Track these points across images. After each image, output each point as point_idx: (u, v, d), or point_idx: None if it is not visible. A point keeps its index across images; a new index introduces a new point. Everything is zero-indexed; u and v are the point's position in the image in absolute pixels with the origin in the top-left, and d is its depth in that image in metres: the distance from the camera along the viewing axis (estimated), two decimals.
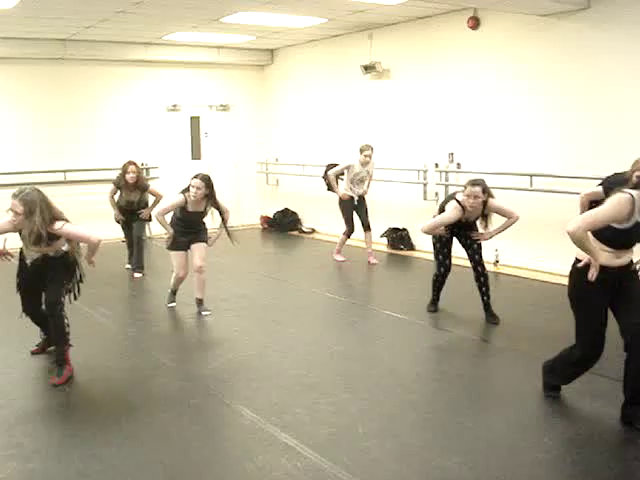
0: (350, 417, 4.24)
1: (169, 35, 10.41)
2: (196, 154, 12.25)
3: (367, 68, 10.15)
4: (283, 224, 12.22)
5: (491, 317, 6.27)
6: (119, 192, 8.40)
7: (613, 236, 3.91)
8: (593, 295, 4.05)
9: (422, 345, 5.79)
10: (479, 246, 6.29)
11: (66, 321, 4.99)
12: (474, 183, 5.88)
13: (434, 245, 6.46)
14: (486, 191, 5.90)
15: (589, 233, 3.90)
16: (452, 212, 5.99)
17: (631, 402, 4.04)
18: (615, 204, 3.82)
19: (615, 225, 3.85)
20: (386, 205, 10.25)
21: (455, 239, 6.38)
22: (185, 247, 6.65)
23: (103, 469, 3.61)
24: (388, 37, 10.01)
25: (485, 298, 6.29)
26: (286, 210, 12.39)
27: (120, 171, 8.31)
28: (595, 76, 7.46)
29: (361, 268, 8.96)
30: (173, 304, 6.92)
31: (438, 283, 6.57)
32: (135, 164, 8.29)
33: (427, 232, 6.21)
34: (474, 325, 6.23)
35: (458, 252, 6.51)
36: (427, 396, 4.66)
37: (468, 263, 6.36)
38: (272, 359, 5.36)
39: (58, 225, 4.79)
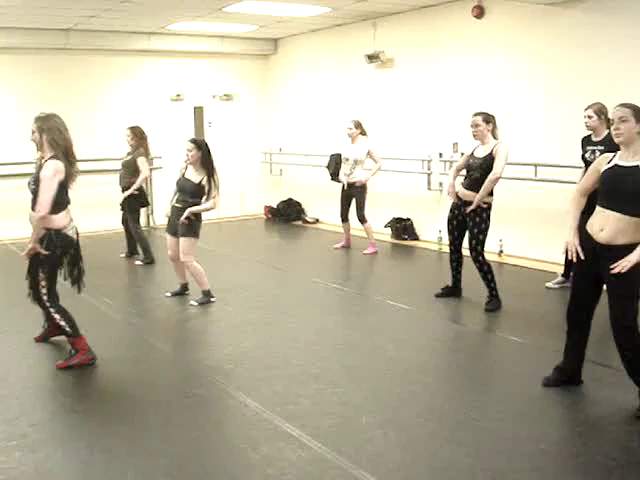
0: (354, 407, 4.24)
1: (172, 25, 10.38)
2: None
3: (371, 57, 10.11)
4: (287, 214, 12.21)
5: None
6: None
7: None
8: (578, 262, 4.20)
9: (426, 336, 5.79)
10: (473, 233, 6.28)
11: (57, 316, 4.94)
12: (475, 113, 6.32)
13: None
14: (489, 122, 6.25)
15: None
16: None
17: None
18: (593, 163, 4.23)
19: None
20: (390, 195, 10.23)
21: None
22: (172, 230, 6.66)
23: (107, 459, 3.62)
24: (392, 26, 9.96)
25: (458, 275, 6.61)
26: (290, 200, 12.37)
27: None
28: (601, 65, 7.41)
29: (365, 258, 8.95)
30: (168, 293, 6.95)
31: (450, 261, 6.63)
32: (130, 128, 8.60)
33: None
34: (478, 316, 6.22)
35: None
36: (431, 387, 4.66)
37: (469, 253, 6.35)
38: (276, 349, 5.36)
39: (49, 161, 4.73)
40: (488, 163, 6.19)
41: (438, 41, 9.35)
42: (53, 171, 4.71)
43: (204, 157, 6.42)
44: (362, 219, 9.12)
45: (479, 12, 8.64)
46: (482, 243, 6.24)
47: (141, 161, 8.39)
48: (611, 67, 7.30)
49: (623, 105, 4.04)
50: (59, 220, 4.83)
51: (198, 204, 6.46)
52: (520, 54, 8.31)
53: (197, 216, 6.54)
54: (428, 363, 5.15)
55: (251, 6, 8.97)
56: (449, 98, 9.25)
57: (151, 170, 8.86)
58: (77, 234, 5.05)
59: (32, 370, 5.03)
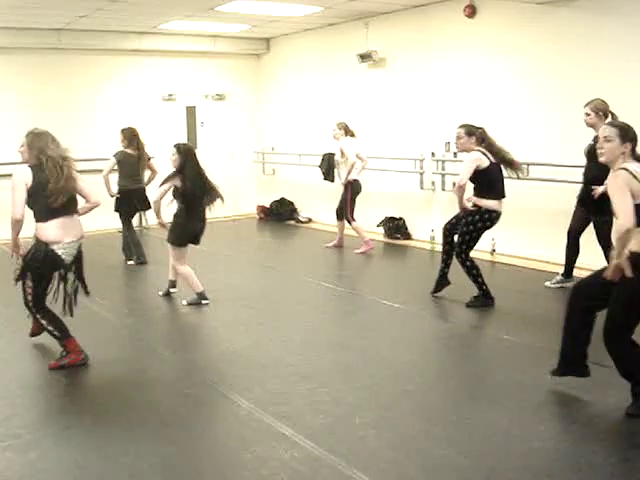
0: (347, 407, 4.24)
1: (164, 24, 10.36)
2: (192, 144, 12.18)
3: (363, 57, 10.11)
4: (280, 214, 12.20)
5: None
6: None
7: None
8: None
9: (419, 335, 5.79)
10: (460, 232, 6.33)
11: (44, 321, 4.92)
12: (460, 125, 6.40)
13: None
14: (472, 134, 6.27)
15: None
16: None
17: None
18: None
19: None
20: (382, 194, 10.23)
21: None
22: None
23: (100, 460, 3.61)
24: (384, 26, 9.97)
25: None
26: (283, 200, 12.36)
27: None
28: (593, 64, 7.43)
29: (357, 257, 8.95)
30: (160, 292, 6.95)
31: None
32: (121, 129, 8.56)
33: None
34: (471, 315, 6.23)
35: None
36: (424, 386, 4.66)
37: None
38: (269, 349, 5.36)
39: (23, 167, 4.74)
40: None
41: (430, 40, 9.36)
42: (17, 176, 4.75)
43: (180, 160, 6.43)
44: (346, 219, 9.17)
45: (471, 11, 8.66)
46: (465, 244, 6.26)
47: (110, 161, 8.39)
48: (603, 65, 7.32)
49: (610, 124, 4.12)
50: (43, 230, 4.79)
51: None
52: (512, 53, 8.33)
53: (179, 224, 6.50)
54: (421, 362, 5.15)
55: (243, 5, 8.96)
56: (441, 97, 9.26)
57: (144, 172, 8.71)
58: (76, 256, 4.98)
59: (24, 370, 5.02)
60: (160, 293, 6.91)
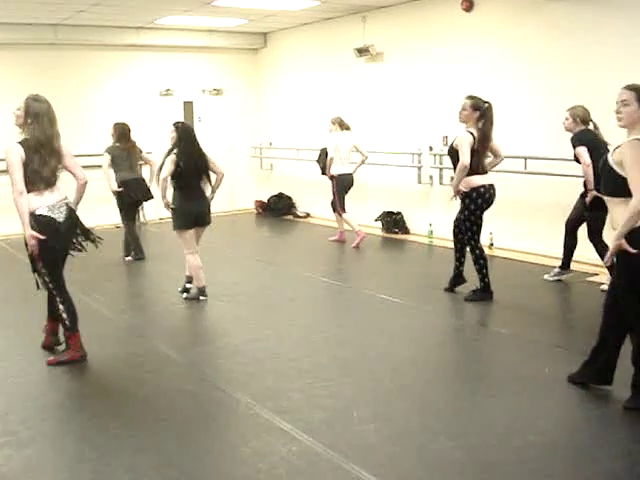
0: (345, 401, 4.24)
1: (161, 19, 10.33)
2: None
3: (361, 51, 10.10)
4: (277, 209, 12.19)
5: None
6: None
7: None
8: None
9: (418, 329, 5.79)
10: (458, 219, 6.34)
11: (62, 307, 4.88)
12: (467, 96, 6.22)
13: None
14: (477, 109, 6.10)
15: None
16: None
17: None
18: None
19: None
20: (380, 189, 10.23)
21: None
22: None
23: (98, 456, 3.60)
24: (382, 20, 9.95)
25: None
26: (280, 194, 12.36)
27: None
28: (590, 58, 7.42)
29: (355, 252, 8.95)
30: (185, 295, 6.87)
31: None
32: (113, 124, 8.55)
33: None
34: (470, 309, 6.23)
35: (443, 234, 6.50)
36: (422, 380, 4.66)
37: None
38: (267, 344, 5.35)
39: (13, 144, 4.66)
40: (452, 153, 6.27)
41: (428, 35, 9.34)
42: (11, 153, 4.70)
43: (176, 138, 6.44)
44: (336, 210, 9.26)
45: (468, 5, 8.64)
46: (469, 230, 6.24)
47: (105, 157, 8.34)
48: (601, 59, 7.30)
49: (627, 87, 3.86)
50: (30, 200, 4.71)
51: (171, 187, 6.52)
52: (509, 47, 8.31)
53: (175, 208, 6.47)
54: (419, 356, 5.15)
55: None
56: (439, 91, 9.24)
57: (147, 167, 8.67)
58: (71, 217, 4.89)
59: (21, 366, 5.00)
60: (185, 295, 6.78)
